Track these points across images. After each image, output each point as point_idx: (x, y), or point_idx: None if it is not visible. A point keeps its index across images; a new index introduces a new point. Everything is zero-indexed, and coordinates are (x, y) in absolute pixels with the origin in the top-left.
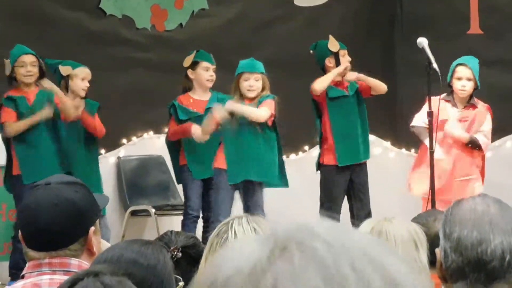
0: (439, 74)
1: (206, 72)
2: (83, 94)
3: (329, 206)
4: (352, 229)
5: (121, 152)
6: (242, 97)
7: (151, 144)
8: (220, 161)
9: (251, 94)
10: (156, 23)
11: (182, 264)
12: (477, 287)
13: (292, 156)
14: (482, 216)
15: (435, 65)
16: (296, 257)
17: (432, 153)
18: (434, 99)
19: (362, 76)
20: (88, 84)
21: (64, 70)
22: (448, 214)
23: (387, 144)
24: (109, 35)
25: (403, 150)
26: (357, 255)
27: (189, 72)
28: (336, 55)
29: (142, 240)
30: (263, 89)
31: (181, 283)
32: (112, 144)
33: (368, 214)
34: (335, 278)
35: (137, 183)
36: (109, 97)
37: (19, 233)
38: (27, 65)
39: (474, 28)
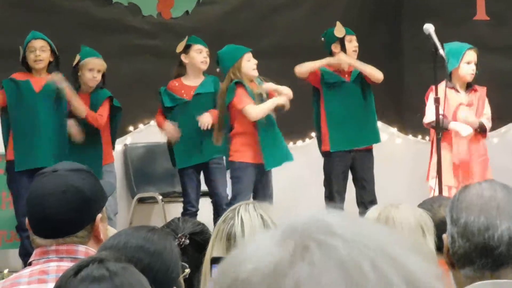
0: (446, 60)
1: (199, 55)
2: (91, 84)
3: (331, 193)
4: (369, 222)
5: (128, 139)
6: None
7: (158, 131)
8: (238, 155)
9: (256, 73)
10: (162, 10)
11: (190, 251)
12: (484, 273)
13: (299, 142)
14: (489, 202)
15: (441, 51)
16: (317, 258)
17: (439, 139)
18: (439, 87)
19: (355, 63)
20: (96, 75)
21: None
22: (455, 200)
23: (394, 130)
24: (115, 23)
25: (410, 136)
26: (377, 254)
27: (183, 56)
28: (341, 41)
29: (148, 226)
30: None
31: (187, 270)
32: (119, 131)
33: (372, 202)
34: (356, 279)
35: (144, 170)
36: (115, 85)
37: (26, 220)
38: (36, 49)
39: (481, 14)
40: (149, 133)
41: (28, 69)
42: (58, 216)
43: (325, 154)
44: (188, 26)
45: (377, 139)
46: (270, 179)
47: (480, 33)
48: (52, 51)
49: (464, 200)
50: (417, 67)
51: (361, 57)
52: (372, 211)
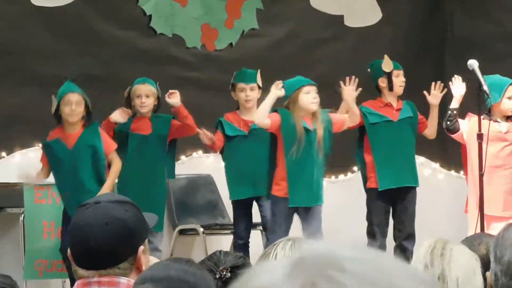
0: (489, 96)
1: (241, 93)
2: (142, 110)
3: (372, 228)
4: (384, 257)
5: None
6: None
7: (200, 163)
8: (274, 188)
9: (315, 107)
10: (206, 43)
11: (231, 284)
12: None
13: (341, 176)
14: None
15: (485, 87)
16: None
17: (481, 175)
18: (473, 117)
19: (353, 106)
20: (144, 100)
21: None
22: (499, 237)
23: (436, 165)
24: (159, 54)
25: (452, 172)
26: None
27: (232, 93)
28: (389, 76)
29: (185, 258)
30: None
31: None
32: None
33: (409, 236)
34: None
35: (186, 202)
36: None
37: (68, 251)
38: (72, 103)
39: None
40: (191, 164)
41: (59, 120)
42: (100, 248)
43: (369, 190)
44: (232, 58)
45: (417, 182)
46: (315, 215)
47: None
48: (86, 105)
49: (509, 238)
50: (461, 103)
51: (405, 91)
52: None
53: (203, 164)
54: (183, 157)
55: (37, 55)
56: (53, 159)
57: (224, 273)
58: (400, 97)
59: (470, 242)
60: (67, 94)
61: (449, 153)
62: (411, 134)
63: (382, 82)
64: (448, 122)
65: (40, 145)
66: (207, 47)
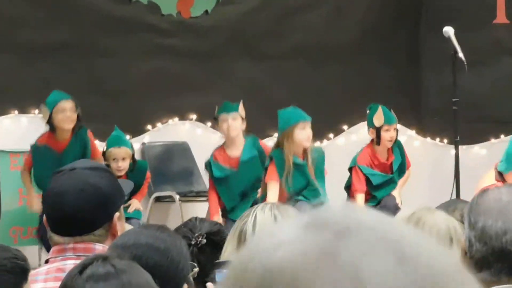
0: (465, 63)
1: (224, 124)
2: (119, 174)
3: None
4: (397, 220)
5: (146, 138)
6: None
7: (176, 130)
8: None
9: (308, 144)
10: (182, 10)
11: (207, 251)
12: (501, 277)
13: (317, 144)
14: (508, 206)
15: (461, 55)
16: (365, 235)
17: (457, 143)
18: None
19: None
20: (120, 164)
21: None
22: (474, 203)
23: (412, 132)
24: (134, 21)
25: (428, 139)
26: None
27: (216, 128)
28: (378, 130)
29: (156, 225)
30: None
31: (196, 269)
32: (137, 130)
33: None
34: (406, 256)
35: (162, 169)
36: (134, 83)
37: (44, 217)
38: (67, 110)
39: (500, 17)
40: (167, 132)
41: (51, 128)
42: (75, 214)
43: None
44: (208, 25)
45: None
46: None
47: (500, 36)
48: (77, 113)
49: (482, 204)
50: (436, 70)
51: (382, 59)
52: (407, 211)
53: (178, 131)
54: (158, 124)
55: (12, 22)
56: (39, 163)
57: (200, 239)
58: (372, 64)
59: (445, 208)
60: (61, 102)
61: (425, 120)
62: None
63: (371, 133)
64: None
65: (29, 148)
66: (183, 14)
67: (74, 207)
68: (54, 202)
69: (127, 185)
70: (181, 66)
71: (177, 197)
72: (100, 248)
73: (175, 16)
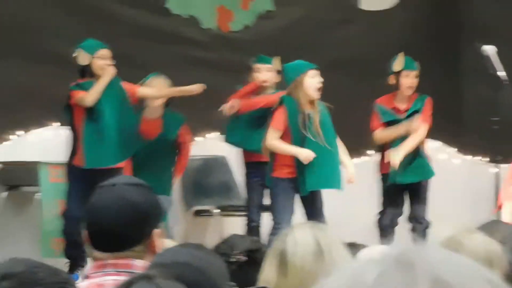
0: (505, 82)
1: (257, 74)
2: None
3: (384, 211)
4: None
5: None
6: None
7: (214, 145)
8: (276, 170)
9: (318, 95)
10: (221, 24)
11: (246, 268)
12: None
13: (355, 160)
14: None
15: (499, 73)
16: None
17: (498, 162)
18: None
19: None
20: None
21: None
22: None
23: (452, 150)
24: (174, 34)
25: (469, 157)
26: None
27: (249, 78)
28: (397, 75)
29: (194, 243)
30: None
31: None
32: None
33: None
34: None
35: (200, 183)
36: (173, 97)
37: (84, 232)
38: (107, 58)
39: None
40: (206, 145)
41: (87, 74)
42: (116, 230)
43: (383, 175)
44: (247, 39)
45: (429, 174)
46: (318, 199)
47: None
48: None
49: None
50: (477, 87)
51: (420, 75)
52: (446, 232)
53: (217, 146)
54: (197, 138)
55: (50, 32)
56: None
57: (239, 257)
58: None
59: (486, 230)
60: (102, 50)
61: (465, 138)
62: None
63: (391, 80)
64: None
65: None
66: (222, 28)
67: (114, 223)
68: (94, 218)
69: (167, 203)
70: (219, 80)
71: (215, 211)
72: (140, 264)
73: (214, 30)
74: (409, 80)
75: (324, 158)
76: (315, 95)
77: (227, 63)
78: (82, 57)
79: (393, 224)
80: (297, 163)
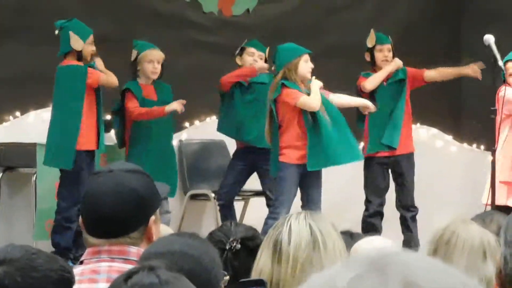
0: (504, 71)
1: (249, 57)
2: (153, 77)
3: (370, 197)
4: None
5: (183, 135)
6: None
7: (214, 128)
8: (283, 154)
9: (310, 76)
10: (223, 8)
11: (241, 256)
12: None
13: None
14: None
15: (500, 63)
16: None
17: (494, 151)
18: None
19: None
20: (156, 66)
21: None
22: (510, 220)
23: (449, 138)
24: (176, 17)
25: (465, 144)
26: None
27: (237, 58)
28: (371, 50)
29: (187, 232)
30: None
31: (227, 277)
32: (175, 127)
33: (412, 206)
34: None
35: (198, 167)
36: (172, 79)
37: (80, 219)
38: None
39: None
40: (205, 129)
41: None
42: (111, 216)
43: (366, 158)
44: (248, 23)
45: (412, 147)
46: (318, 183)
47: None
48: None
49: None
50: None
51: (420, 59)
52: (441, 222)
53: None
54: (196, 122)
55: (52, 13)
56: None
57: (234, 244)
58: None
59: (481, 220)
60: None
61: (463, 125)
62: (400, 97)
63: (367, 57)
64: None
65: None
66: (224, 12)
67: (110, 209)
68: (91, 204)
69: (163, 188)
70: (220, 64)
71: (212, 195)
72: (135, 250)
73: (216, 14)
74: (382, 54)
75: (339, 131)
76: (309, 76)
77: (229, 47)
78: (75, 42)
79: (381, 215)
80: (311, 138)
